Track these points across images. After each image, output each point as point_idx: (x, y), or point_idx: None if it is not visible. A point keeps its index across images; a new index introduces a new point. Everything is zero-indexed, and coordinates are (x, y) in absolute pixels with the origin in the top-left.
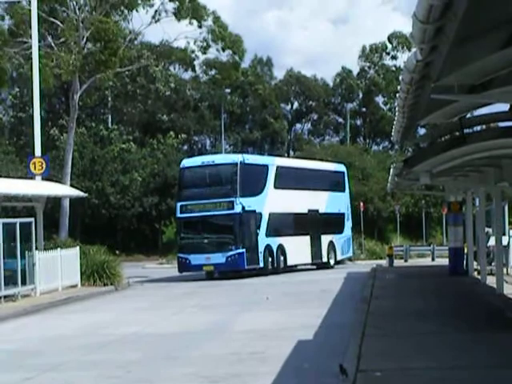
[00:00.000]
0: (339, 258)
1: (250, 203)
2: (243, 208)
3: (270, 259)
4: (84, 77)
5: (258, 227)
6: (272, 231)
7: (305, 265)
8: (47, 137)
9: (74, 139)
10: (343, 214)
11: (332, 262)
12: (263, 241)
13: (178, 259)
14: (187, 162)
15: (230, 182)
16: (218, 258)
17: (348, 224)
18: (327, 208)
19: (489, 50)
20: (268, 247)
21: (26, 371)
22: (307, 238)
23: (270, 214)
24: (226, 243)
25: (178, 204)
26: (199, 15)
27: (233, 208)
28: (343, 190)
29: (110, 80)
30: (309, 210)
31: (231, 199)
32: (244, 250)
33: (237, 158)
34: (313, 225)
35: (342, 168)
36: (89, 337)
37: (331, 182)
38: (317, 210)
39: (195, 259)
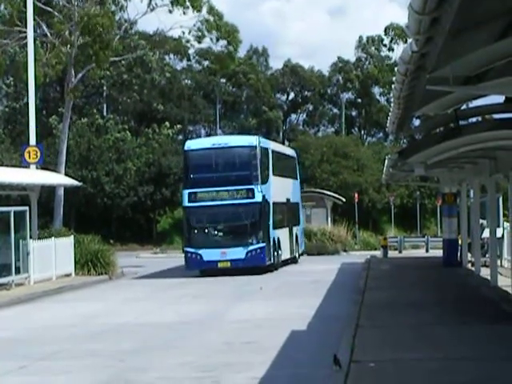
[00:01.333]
0: (300, 251)
1: (263, 191)
2: (263, 197)
3: (275, 254)
4: (79, 67)
5: (269, 219)
6: (275, 223)
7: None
8: (43, 125)
9: (72, 128)
10: (298, 204)
11: (297, 255)
12: (272, 234)
13: (187, 254)
14: (193, 144)
15: (248, 167)
16: (237, 253)
17: (301, 215)
18: (292, 197)
19: (484, 41)
20: (273, 241)
21: (21, 359)
22: (287, 230)
23: (273, 204)
24: (246, 236)
25: (186, 192)
26: (195, 3)
27: (253, 196)
28: (297, 178)
29: (101, 73)
30: (286, 200)
31: (251, 186)
32: (265, 244)
33: (254, 139)
34: (289, 215)
35: (295, 153)
36: (83, 326)
37: (291, 168)
38: (289, 199)
39: (208, 254)
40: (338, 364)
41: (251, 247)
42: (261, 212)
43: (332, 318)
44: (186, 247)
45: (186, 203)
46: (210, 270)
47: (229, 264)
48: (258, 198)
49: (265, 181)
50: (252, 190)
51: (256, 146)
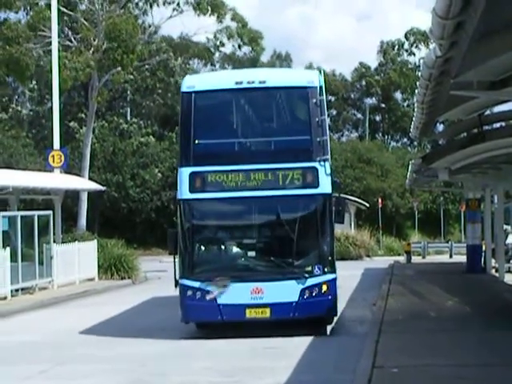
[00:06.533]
0: None
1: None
2: (335, 183)
3: None
4: (103, 71)
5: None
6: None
7: None
8: (66, 129)
9: (95, 132)
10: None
11: None
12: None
13: (184, 293)
14: (200, 82)
15: (305, 127)
16: (284, 291)
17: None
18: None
19: (509, 46)
20: None
21: (42, 364)
22: None
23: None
24: (301, 261)
25: (185, 171)
26: (219, 11)
27: (316, 183)
28: None
29: (125, 77)
30: None
31: (312, 164)
32: (335, 274)
33: (313, 76)
34: None
35: None
36: (105, 330)
37: None
38: None
39: (228, 295)
40: None
41: (311, 281)
42: (328, 213)
43: (355, 323)
44: (184, 279)
45: (186, 194)
46: (232, 322)
47: (267, 312)
48: (325, 186)
49: (327, 154)
50: (314, 170)
51: (320, 89)
